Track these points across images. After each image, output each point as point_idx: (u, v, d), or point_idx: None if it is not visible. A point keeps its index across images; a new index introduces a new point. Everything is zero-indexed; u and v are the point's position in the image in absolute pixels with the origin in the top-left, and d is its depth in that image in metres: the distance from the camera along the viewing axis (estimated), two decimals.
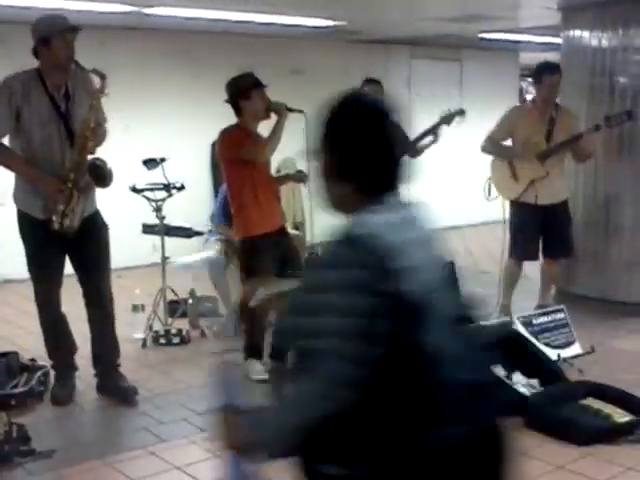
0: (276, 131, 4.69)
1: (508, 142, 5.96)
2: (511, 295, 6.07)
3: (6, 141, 4.26)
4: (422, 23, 8.05)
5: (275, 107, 4.72)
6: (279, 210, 5.02)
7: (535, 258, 6.03)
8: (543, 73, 5.73)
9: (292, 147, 5.16)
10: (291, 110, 4.70)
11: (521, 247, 5.91)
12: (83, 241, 4.35)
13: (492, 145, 5.92)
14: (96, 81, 4.23)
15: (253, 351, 4.92)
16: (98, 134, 4.26)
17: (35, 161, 4.18)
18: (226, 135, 4.79)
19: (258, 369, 4.86)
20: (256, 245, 4.77)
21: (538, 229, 5.85)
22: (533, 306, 5.95)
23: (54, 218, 4.17)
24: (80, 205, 4.22)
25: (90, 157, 4.24)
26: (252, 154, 4.65)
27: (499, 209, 5.99)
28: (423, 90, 10.41)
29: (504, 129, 5.88)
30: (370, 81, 6.66)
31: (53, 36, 4.08)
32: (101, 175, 4.20)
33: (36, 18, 4.19)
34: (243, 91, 4.74)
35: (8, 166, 4.29)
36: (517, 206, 5.86)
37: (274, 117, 4.78)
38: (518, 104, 5.94)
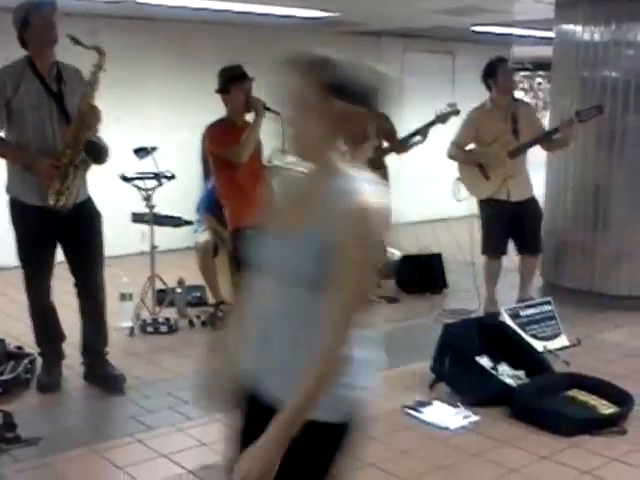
0: (251, 131, 4.64)
1: (470, 145, 6.01)
2: (494, 287, 6.11)
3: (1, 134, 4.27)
4: (415, 15, 8.04)
5: (253, 104, 4.67)
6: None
7: (504, 254, 6.06)
8: (496, 67, 5.84)
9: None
10: (268, 109, 4.64)
11: (494, 244, 5.96)
12: (76, 229, 4.35)
13: (458, 152, 5.98)
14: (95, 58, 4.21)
15: None
16: (94, 113, 4.23)
17: (29, 146, 4.17)
18: (211, 132, 4.79)
19: None
20: (244, 237, 4.76)
21: (509, 226, 5.89)
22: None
23: (49, 196, 4.15)
24: (76, 183, 4.21)
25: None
26: (233, 155, 4.62)
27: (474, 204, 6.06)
28: (415, 83, 10.41)
29: (469, 133, 5.93)
30: None
31: (30, 15, 4.10)
32: (97, 151, 4.18)
33: (14, 7, 4.19)
34: (222, 85, 4.74)
35: (1, 155, 4.29)
36: (489, 204, 5.90)
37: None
38: (478, 105, 5.96)
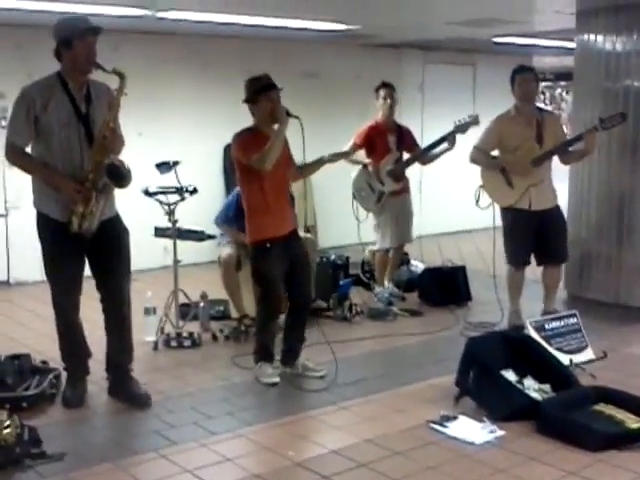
0: (275, 138, 4.63)
1: (494, 152, 5.96)
2: (519, 300, 6.06)
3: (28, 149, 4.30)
4: (435, 27, 8.04)
5: (279, 114, 4.67)
6: (290, 214, 5.00)
7: (527, 264, 6.00)
8: (515, 74, 5.85)
9: None
10: (289, 115, 4.63)
11: (517, 254, 5.90)
12: (103, 246, 4.36)
13: (481, 156, 5.93)
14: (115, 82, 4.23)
15: (263, 354, 4.92)
16: (116, 139, 4.26)
17: (55, 163, 4.19)
18: (239, 139, 4.79)
19: (269, 372, 4.86)
20: (266, 249, 4.76)
21: (531, 235, 5.83)
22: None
23: (73, 219, 4.17)
24: (99, 206, 4.21)
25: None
26: (258, 163, 4.62)
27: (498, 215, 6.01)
28: (436, 95, 10.40)
29: (492, 139, 5.89)
30: (385, 85, 6.70)
31: (74, 38, 4.10)
32: (119, 175, 4.18)
33: (58, 20, 4.20)
34: (249, 95, 4.75)
35: (28, 170, 4.31)
36: (511, 213, 5.84)
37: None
38: (503, 112, 5.93)
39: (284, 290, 4.89)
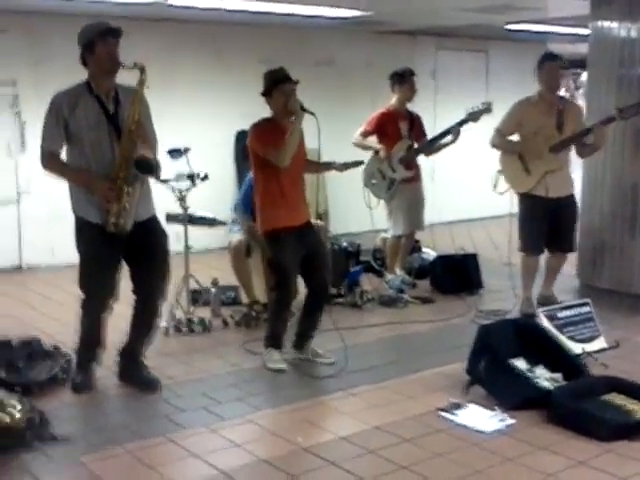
0: (291, 134, 4.64)
1: (514, 136, 5.94)
2: (532, 288, 6.06)
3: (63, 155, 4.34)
4: (448, 13, 7.97)
5: (291, 106, 4.67)
6: (304, 206, 4.98)
7: (542, 251, 6.01)
8: (544, 60, 5.83)
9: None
10: (304, 110, 4.63)
11: (533, 241, 5.91)
12: (141, 250, 4.37)
13: (501, 140, 5.92)
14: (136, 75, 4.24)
15: (273, 341, 4.93)
16: (145, 133, 4.26)
17: (88, 165, 4.22)
18: (256, 130, 4.79)
19: (276, 359, 4.87)
20: (280, 238, 4.76)
21: (546, 222, 5.83)
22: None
23: (109, 219, 4.19)
24: (133, 202, 4.22)
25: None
26: (276, 159, 4.63)
27: (515, 201, 5.98)
28: (449, 81, 10.34)
29: (512, 122, 5.87)
30: (413, 73, 6.69)
31: (96, 41, 4.15)
32: (147, 167, 4.18)
33: (81, 27, 4.24)
34: (266, 88, 4.76)
35: (62, 175, 4.34)
36: (528, 199, 5.84)
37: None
38: (525, 97, 5.92)
39: (301, 278, 4.90)
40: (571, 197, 5.94)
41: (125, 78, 4.30)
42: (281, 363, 4.86)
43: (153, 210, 4.49)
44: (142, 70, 4.21)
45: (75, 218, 4.36)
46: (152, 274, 4.45)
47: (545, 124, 5.74)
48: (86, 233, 4.32)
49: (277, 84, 4.72)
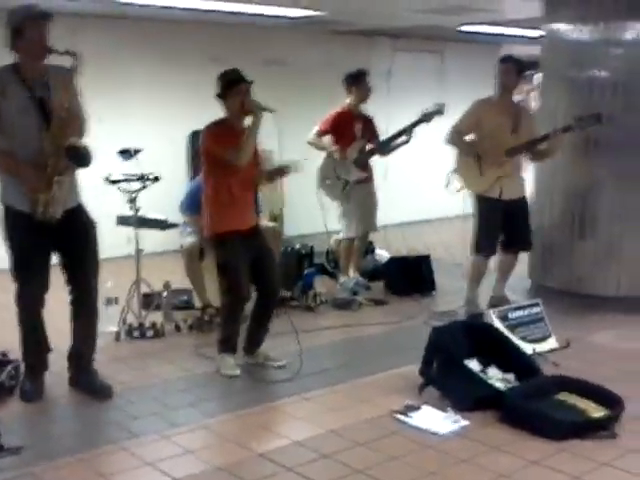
0: (249, 134, 4.62)
1: (470, 136, 6.01)
2: (477, 288, 6.13)
3: None
4: (404, 15, 7.99)
5: (249, 106, 4.64)
6: (252, 210, 4.94)
7: (494, 253, 6.09)
8: (500, 62, 5.97)
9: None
10: (263, 109, 4.61)
11: (487, 243, 5.98)
12: (69, 237, 4.29)
13: (458, 139, 5.97)
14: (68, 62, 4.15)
15: (226, 345, 4.88)
16: (74, 120, 4.17)
17: (16, 152, 4.11)
18: (211, 131, 4.75)
19: (230, 364, 4.83)
20: (227, 242, 4.74)
21: (500, 224, 5.92)
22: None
23: (37, 207, 4.10)
24: (62, 191, 4.14)
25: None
26: (233, 158, 4.59)
27: (467, 202, 6.05)
28: (405, 82, 10.38)
29: (471, 121, 5.95)
30: (365, 74, 6.70)
31: (26, 26, 4.04)
32: (79, 156, 4.11)
33: (8, 10, 4.11)
34: (220, 91, 4.72)
35: None
36: (483, 200, 5.92)
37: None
38: (485, 97, 6.01)
39: (250, 282, 4.86)
40: (523, 199, 6.05)
41: None
42: (235, 369, 4.81)
43: (79, 198, 4.40)
44: (74, 56, 4.11)
45: (4, 207, 4.26)
46: (82, 262, 4.39)
47: (501, 125, 5.82)
48: (15, 222, 4.22)
49: (232, 85, 4.69)
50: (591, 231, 6.40)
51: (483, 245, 5.98)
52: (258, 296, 4.94)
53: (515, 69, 5.91)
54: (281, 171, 5.09)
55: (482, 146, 5.87)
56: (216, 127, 4.75)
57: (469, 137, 6.00)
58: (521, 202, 6.01)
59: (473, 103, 6.02)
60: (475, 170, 5.89)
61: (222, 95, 4.73)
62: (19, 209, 4.17)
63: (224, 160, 4.63)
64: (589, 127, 5.74)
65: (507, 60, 5.97)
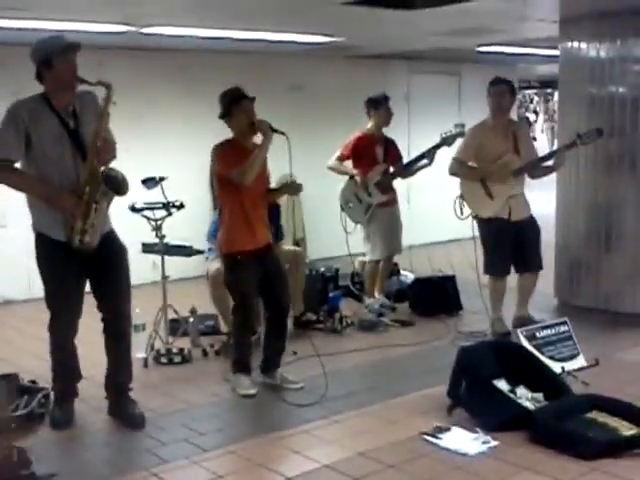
0: (258, 153, 4.65)
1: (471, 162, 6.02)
2: (501, 308, 6.11)
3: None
4: (420, 38, 8.05)
5: (259, 126, 4.68)
6: (265, 228, 4.97)
7: (509, 273, 6.05)
8: (489, 86, 5.99)
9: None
10: (274, 131, 4.64)
11: (498, 264, 5.95)
12: (103, 264, 4.31)
13: (460, 167, 5.97)
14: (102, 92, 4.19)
15: (240, 366, 4.91)
16: (109, 146, 4.23)
17: (51, 180, 4.13)
18: (218, 152, 4.80)
19: (245, 384, 4.84)
20: (238, 261, 4.77)
21: (511, 245, 5.89)
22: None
23: (74, 235, 4.12)
24: (99, 219, 4.17)
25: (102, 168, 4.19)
26: (239, 176, 4.62)
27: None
28: (422, 105, 10.42)
29: (471, 150, 5.96)
30: (387, 98, 6.73)
31: (54, 57, 4.07)
32: (117, 183, 4.16)
33: (35, 41, 4.17)
34: (224, 108, 4.76)
35: (22, 189, 4.23)
36: (490, 223, 5.90)
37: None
38: (480, 122, 6.03)
39: (260, 302, 4.92)
40: (531, 218, 6.02)
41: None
42: (250, 388, 4.83)
43: (110, 224, 4.44)
44: (108, 87, 4.14)
45: (35, 235, 4.27)
46: (115, 288, 4.40)
47: (505, 149, 5.85)
48: (49, 251, 4.23)
49: (235, 102, 4.72)
50: (617, 247, 6.37)
51: (494, 267, 5.96)
52: (268, 316, 4.99)
53: (509, 90, 5.96)
54: (289, 188, 5.13)
55: (487, 170, 5.86)
56: (224, 147, 4.79)
57: (470, 163, 6.02)
58: (530, 222, 5.98)
59: (470, 131, 6.05)
60: (482, 194, 5.89)
61: (226, 114, 4.76)
62: (55, 238, 4.19)
63: (230, 179, 4.67)
64: (592, 142, 5.75)
65: (499, 82, 5.98)
